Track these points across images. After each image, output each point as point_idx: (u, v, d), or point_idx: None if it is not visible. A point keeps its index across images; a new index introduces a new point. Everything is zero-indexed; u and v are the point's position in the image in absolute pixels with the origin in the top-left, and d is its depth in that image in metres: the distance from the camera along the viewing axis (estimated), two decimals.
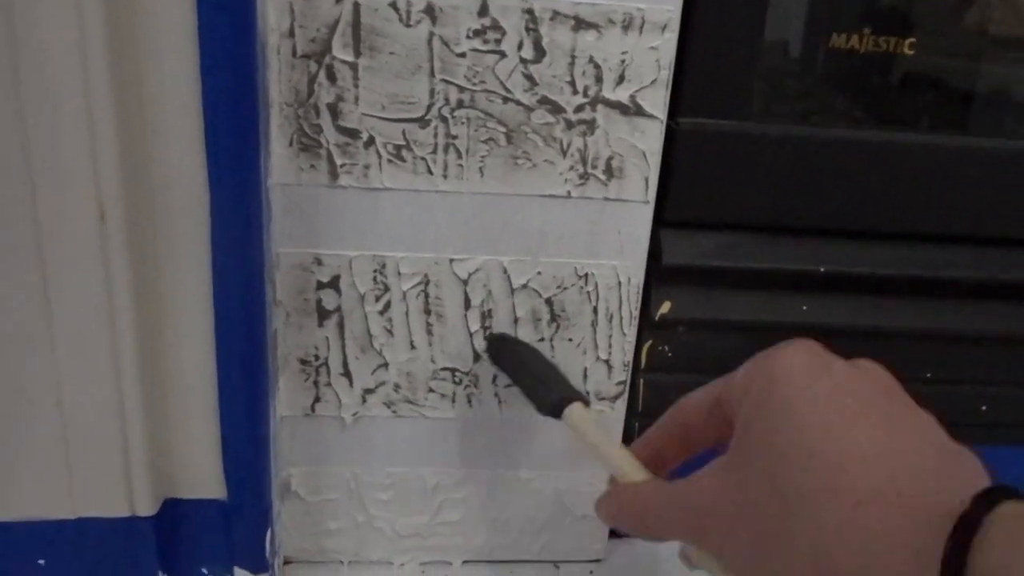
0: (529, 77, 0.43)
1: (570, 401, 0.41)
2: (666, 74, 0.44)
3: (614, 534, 0.56)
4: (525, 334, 0.48)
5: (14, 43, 0.36)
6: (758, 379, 0.28)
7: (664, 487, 0.31)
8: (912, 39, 0.50)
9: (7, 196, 0.38)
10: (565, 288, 0.47)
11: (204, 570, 0.48)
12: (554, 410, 0.41)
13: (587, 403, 0.41)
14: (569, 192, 0.45)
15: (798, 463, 0.25)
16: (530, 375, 0.45)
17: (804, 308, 0.52)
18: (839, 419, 0.25)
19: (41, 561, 0.45)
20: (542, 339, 0.48)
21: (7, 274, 0.40)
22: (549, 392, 0.43)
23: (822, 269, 0.51)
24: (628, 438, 0.52)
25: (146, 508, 0.45)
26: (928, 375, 0.56)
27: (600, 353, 0.49)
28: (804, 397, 0.26)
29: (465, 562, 0.54)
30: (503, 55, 0.42)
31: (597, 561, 0.55)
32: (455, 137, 0.44)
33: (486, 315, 0.47)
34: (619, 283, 0.48)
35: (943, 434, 0.26)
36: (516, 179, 0.45)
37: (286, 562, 0.52)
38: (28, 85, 0.36)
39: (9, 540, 0.44)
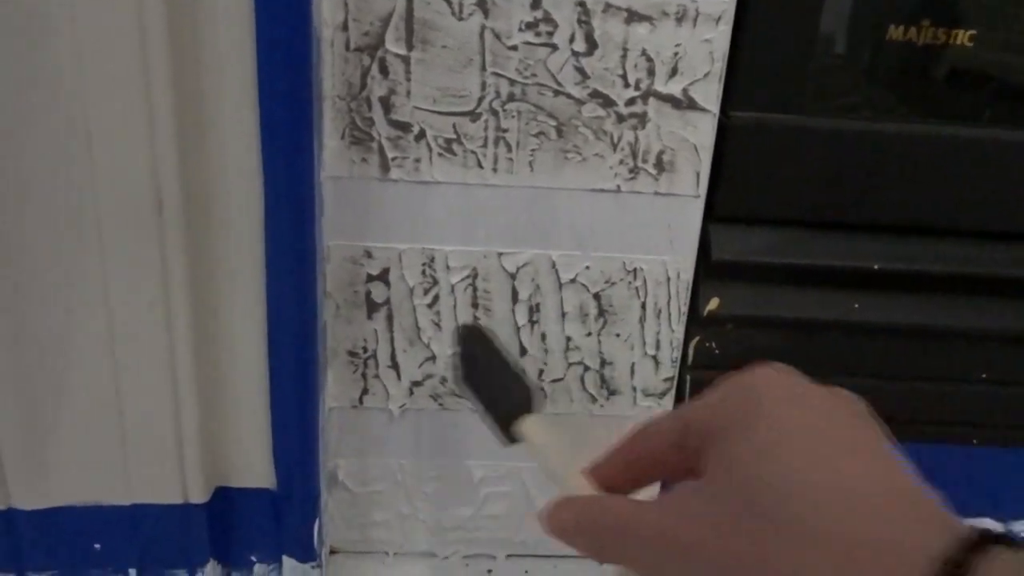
0: (580, 70, 0.43)
1: (518, 416, 0.36)
2: (720, 67, 0.43)
3: None
4: (573, 329, 0.48)
5: (77, 40, 0.37)
6: (738, 403, 0.27)
7: (634, 502, 0.29)
8: (972, 31, 0.48)
9: (69, 187, 0.39)
10: (613, 283, 0.47)
11: (253, 558, 0.49)
12: (509, 437, 0.37)
13: (537, 404, 0.37)
14: (619, 186, 0.45)
15: (780, 492, 0.24)
16: (486, 397, 0.40)
17: (856, 306, 0.51)
18: (825, 450, 0.24)
19: (97, 545, 0.46)
20: (589, 334, 0.48)
21: (68, 263, 0.40)
22: (499, 418, 0.38)
23: (875, 266, 0.50)
24: None
25: (198, 496, 0.45)
26: (983, 375, 0.54)
27: (648, 349, 0.49)
28: (784, 427, 0.25)
29: (509, 556, 0.54)
30: (555, 48, 0.42)
31: None
32: (505, 130, 0.44)
33: (534, 309, 0.47)
34: (668, 278, 0.47)
35: (911, 471, 0.26)
36: (566, 173, 0.45)
37: (332, 552, 0.53)
38: (91, 78, 0.37)
39: (68, 524, 0.45)
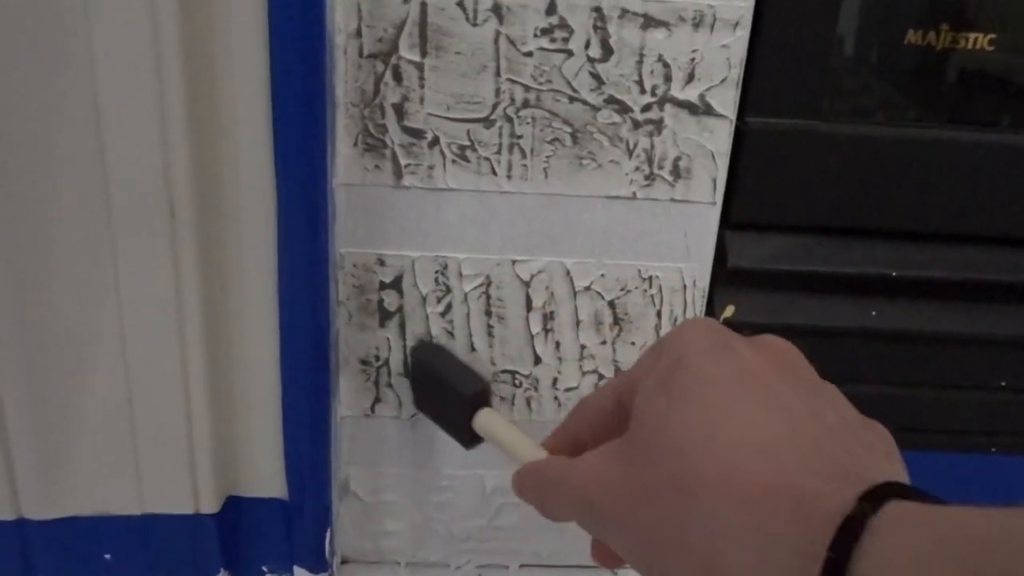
0: (596, 76, 0.42)
1: (475, 410, 0.39)
2: (737, 72, 0.43)
3: None
4: (587, 337, 0.47)
5: (91, 46, 0.36)
6: (658, 364, 0.26)
7: (561, 462, 0.29)
8: (991, 35, 0.48)
9: (82, 193, 0.39)
10: (629, 291, 0.47)
11: (264, 567, 0.48)
12: (471, 439, 0.40)
13: (487, 399, 0.40)
14: (634, 193, 0.45)
15: (696, 451, 0.23)
16: (440, 404, 0.43)
17: (873, 313, 0.51)
18: (739, 405, 0.24)
19: (108, 555, 0.46)
20: (604, 342, 0.48)
21: (81, 270, 0.40)
22: (459, 423, 0.40)
23: (893, 273, 0.50)
24: None
25: (209, 505, 0.45)
26: (1003, 383, 0.54)
27: None
28: (703, 379, 0.24)
29: (522, 566, 0.53)
30: (570, 54, 0.42)
31: None
32: (520, 137, 0.43)
33: (548, 317, 0.47)
34: (684, 286, 0.47)
35: (850, 411, 0.25)
36: (581, 180, 0.44)
37: (344, 562, 0.52)
38: (104, 85, 0.37)
39: (78, 534, 0.45)
